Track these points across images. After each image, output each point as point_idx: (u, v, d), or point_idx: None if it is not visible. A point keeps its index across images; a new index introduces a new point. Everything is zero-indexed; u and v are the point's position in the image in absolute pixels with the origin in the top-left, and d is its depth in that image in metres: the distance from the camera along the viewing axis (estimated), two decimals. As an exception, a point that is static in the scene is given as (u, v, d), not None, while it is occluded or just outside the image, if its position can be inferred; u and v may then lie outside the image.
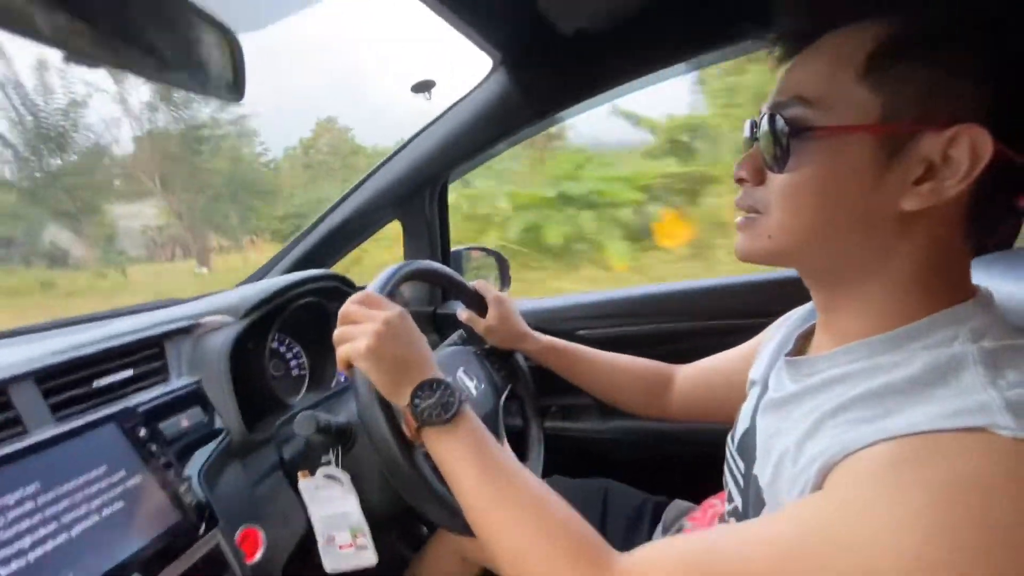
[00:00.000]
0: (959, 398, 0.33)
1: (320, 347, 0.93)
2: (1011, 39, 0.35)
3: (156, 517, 0.54)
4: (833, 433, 0.38)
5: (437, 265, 0.77)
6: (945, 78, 0.36)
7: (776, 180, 0.42)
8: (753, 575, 0.34)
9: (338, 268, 1.21)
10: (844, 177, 0.39)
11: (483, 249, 1.26)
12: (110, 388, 0.62)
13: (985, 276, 0.43)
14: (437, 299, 1.25)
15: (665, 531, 0.77)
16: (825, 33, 0.40)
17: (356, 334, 0.54)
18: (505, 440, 0.78)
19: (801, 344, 0.53)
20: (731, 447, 0.56)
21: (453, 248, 1.24)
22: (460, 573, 0.87)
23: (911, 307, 0.40)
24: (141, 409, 0.60)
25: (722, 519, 0.58)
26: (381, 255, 1.62)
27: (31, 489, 0.48)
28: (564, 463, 0.96)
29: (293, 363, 0.93)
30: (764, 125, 0.42)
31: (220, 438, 0.67)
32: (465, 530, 0.52)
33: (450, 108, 1.03)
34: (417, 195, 1.15)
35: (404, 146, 1.09)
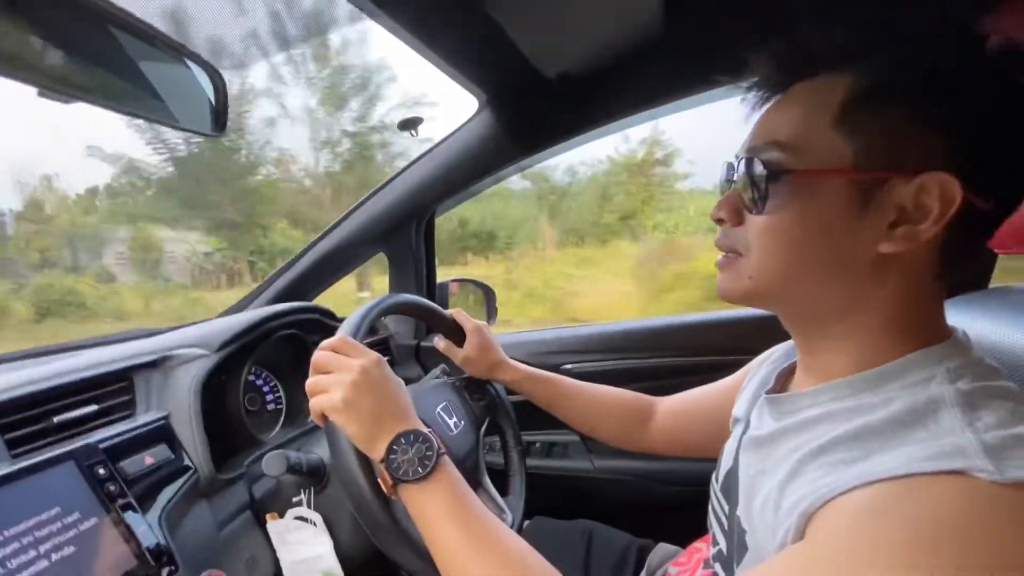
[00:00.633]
0: (936, 440, 0.33)
1: (297, 381, 0.91)
2: (971, 93, 0.37)
3: (110, 563, 0.51)
4: (814, 476, 0.37)
5: (410, 298, 0.75)
6: (913, 127, 0.37)
7: (755, 221, 0.43)
8: None
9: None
10: (821, 219, 0.40)
11: (469, 281, 1.26)
12: (72, 424, 0.60)
13: (964, 316, 0.43)
14: (422, 331, 1.24)
15: (650, 576, 0.74)
16: (798, 82, 0.42)
17: (330, 385, 0.53)
18: (486, 475, 0.76)
19: (783, 382, 0.53)
20: (715, 487, 0.55)
21: (439, 280, 1.24)
22: None
23: (888, 347, 0.40)
24: (103, 446, 0.58)
25: (707, 564, 0.56)
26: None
27: (-24, 532, 0.45)
28: (547, 503, 0.93)
29: (269, 397, 0.91)
30: (741, 168, 0.43)
31: (186, 476, 0.64)
32: None
33: (437, 144, 1.05)
34: (403, 228, 1.15)
35: (390, 180, 1.11)
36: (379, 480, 0.53)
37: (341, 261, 1.18)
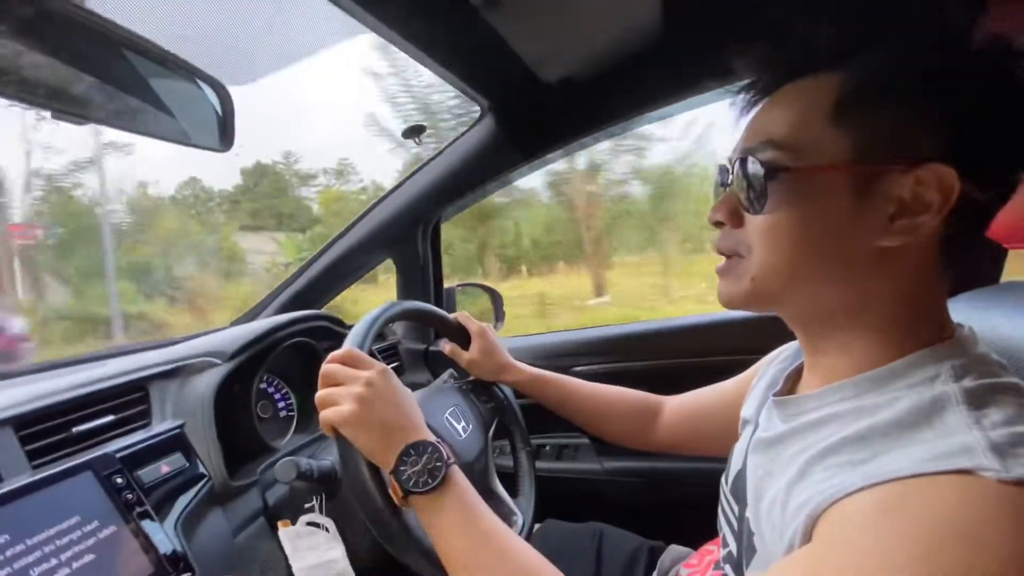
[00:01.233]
0: (943, 440, 0.33)
1: (309, 388, 0.92)
2: (963, 86, 0.37)
3: (129, 570, 0.52)
4: (821, 478, 0.37)
5: (412, 304, 0.75)
6: (909, 120, 0.37)
7: (755, 221, 0.43)
8: None
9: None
10: (821, 215, 0.40)
11: (477, 285, 1.27)
12: (91, 434, 0.61)
13: (977, 311, 0.43)
14: (430, 336, 1.25)
15: (661, 578, 0.74)
16: (787, 83, 0.42)
17: (339, 398, 0.53)
18: (496, 478, 0.76)
19: (791, 383, 0.52)
20: (725, 488, 0.54)
21: (446, 285, 1.25)
22: None
23: (892, 346, 0.40)
24: (119, 455, 0.59)
25: (717, 565, 0.56)
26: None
27: (0, 540, 0.46)
28: (558, 505, 0.93)
29: (281, 404, 0.92)
30: (737, 169, 0.43)
31: (201, 484, 0.65)
32: None
33: (441, 151, 1.06)
34: (409, 234, 1.16)
35: (396, 187, 1.12)
36: (390, 491, 0.54)
37: (349, 268, 1.19)
